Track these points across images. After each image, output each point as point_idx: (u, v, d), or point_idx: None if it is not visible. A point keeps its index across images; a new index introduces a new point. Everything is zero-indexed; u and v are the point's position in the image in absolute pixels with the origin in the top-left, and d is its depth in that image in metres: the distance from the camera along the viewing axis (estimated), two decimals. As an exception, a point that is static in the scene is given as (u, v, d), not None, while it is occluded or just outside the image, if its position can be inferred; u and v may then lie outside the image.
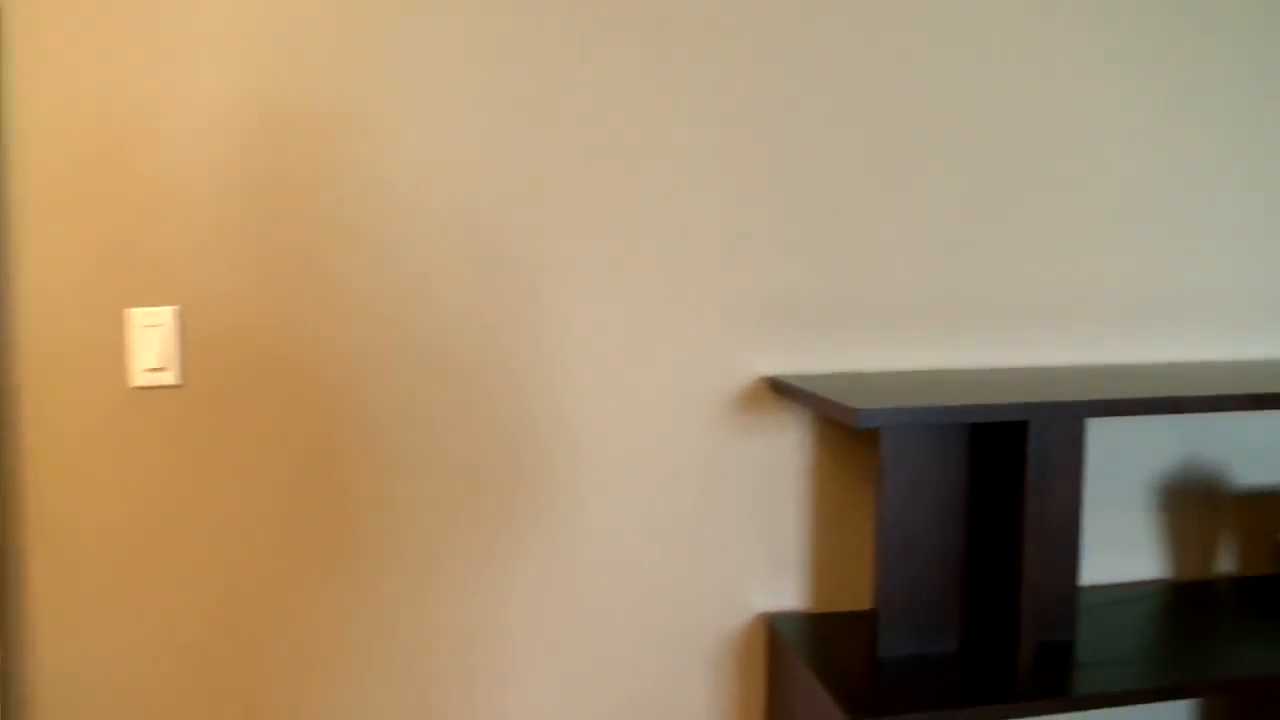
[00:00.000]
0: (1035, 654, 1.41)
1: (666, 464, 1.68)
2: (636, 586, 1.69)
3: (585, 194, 1.61)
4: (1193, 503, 1.93)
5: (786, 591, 1.74)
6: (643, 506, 1.68)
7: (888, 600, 1.51)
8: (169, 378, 1.51)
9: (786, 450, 1.72)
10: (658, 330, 1.65)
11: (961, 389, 1.48)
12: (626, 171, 1.62)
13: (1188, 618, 1.70)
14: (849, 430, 1.74)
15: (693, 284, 1.66)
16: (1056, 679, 1.43)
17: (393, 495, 1.59)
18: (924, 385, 1.53)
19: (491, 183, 1.57)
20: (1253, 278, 1.93)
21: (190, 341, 1.52)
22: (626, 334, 1.64)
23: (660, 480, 1.68)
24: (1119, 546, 1.91)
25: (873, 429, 1.71)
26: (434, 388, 1.59)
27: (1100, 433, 1.88)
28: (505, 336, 1.60)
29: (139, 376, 1.50)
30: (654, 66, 1.61)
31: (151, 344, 1.49)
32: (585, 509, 1.66)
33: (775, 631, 1.67)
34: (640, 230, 1.63)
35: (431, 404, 1.59)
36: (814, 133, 1.68)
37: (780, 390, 1.61)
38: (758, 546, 1.72)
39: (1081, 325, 1.84)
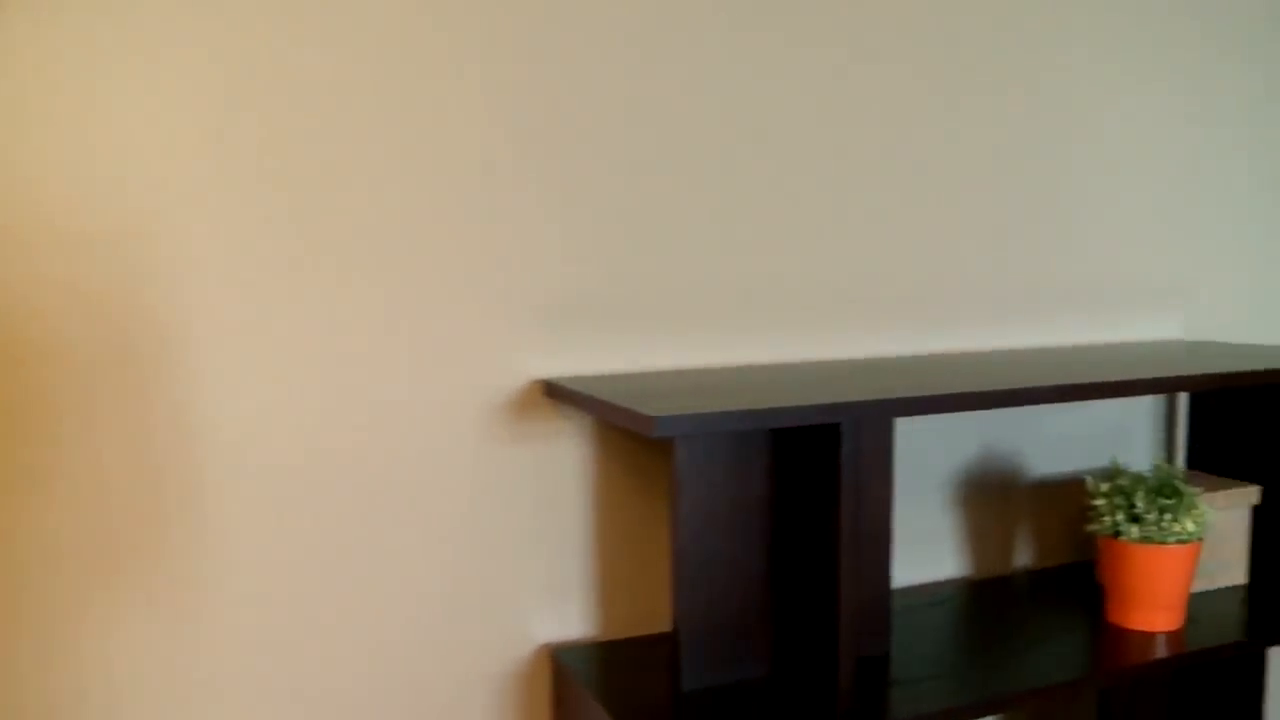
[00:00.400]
0: (853, 673, 1.28)
1: (418, 482, 1.46)
2: (383, 629, 1.47)
3: (312, 181, 1.37)
4: (990, 495, 1.86)
5: (572, 618, 1.56)
6: (391, 534, 1.45)
7: (688, 624, 1.35)
8: None
9: (566, 462, 1.53)
10: (408, 331, 1.43)
11: (761, 388, 1.34)
12: (365, 152, 1.39)
13: (994, 618, 1.62)
14: (637, 437, 1.57)
15: (450, 277, 1.44)
16: (876, 701, 1.30)
17: None
18: (718, 385, 1.37)
19: (161, 166, 1.32)
20: (1049, 264, 1.87)
21: None
22: (368, 337, 1.42)
23: (411, 502, 1.46)
24: (917, 546, 1.82)
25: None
26: (69, 396, 1.32)
27: (897, 428, 1.79)
28: (188, 339, 1.35)
29: None
30: (411, 34, 1.39)
31: None
32: (302, 539, 1.43)
33: (560, 665, 1.48)
34: (384, 219, 1.41)
35: (65, 413, 1.32)
36: (592, 116, 1.50)
37: (558, 395, 1.42)
38: (536, 570, 1.53)
39: (880, 316, 1.73)
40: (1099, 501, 1.56)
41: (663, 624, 1.62)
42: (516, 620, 1.53)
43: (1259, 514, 1.86)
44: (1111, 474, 1.59)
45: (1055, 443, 1.91)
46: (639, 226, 1.54)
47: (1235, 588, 1.75)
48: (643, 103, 1.53)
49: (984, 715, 1.32)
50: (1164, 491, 1.53)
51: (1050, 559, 1.94)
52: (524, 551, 1.52)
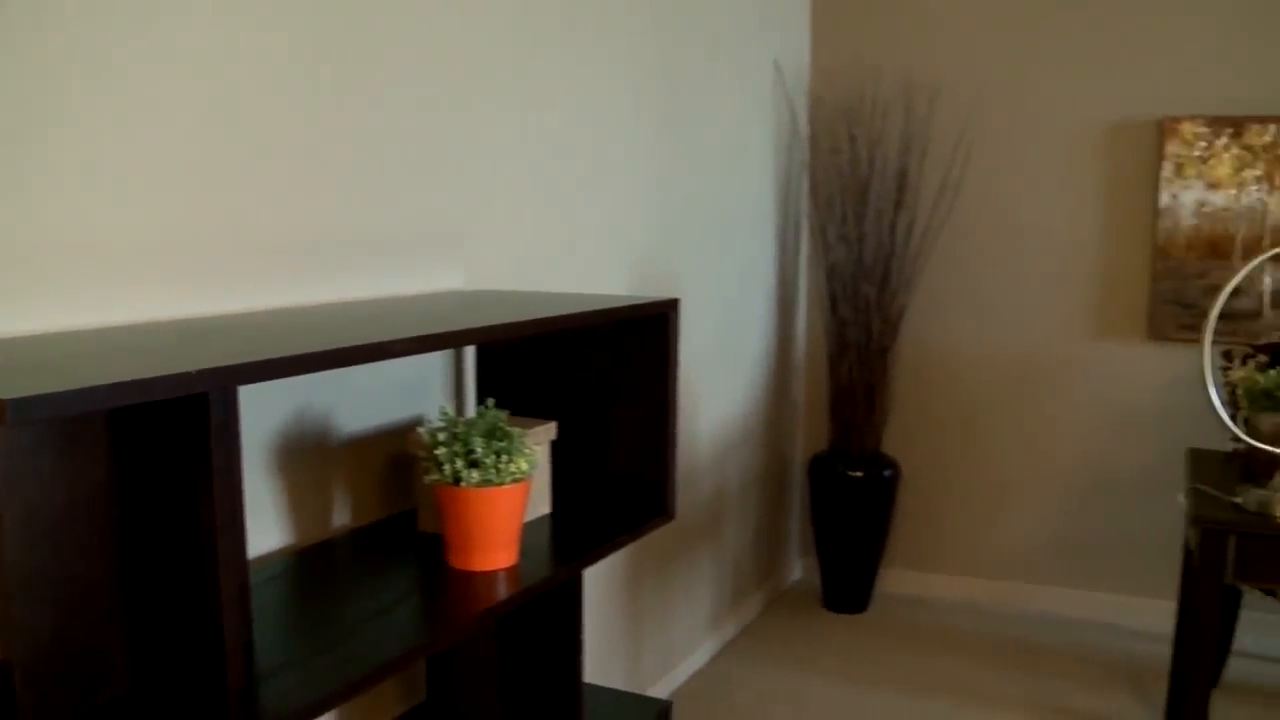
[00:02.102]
0: (242, 670, 1.17)
1: None
2: None
3: None
4: (304, 458, 1.82)
5: None
6: None
7: (25, 650, 1.14)
8: None
9: None
10: None
11: (77, 359, 1.16)
12: None
13: (338, 585, 1.60)
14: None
15: None
16: (256, 697, 1.21)
17: None
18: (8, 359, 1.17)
19: None
20: (330, 217, 1.86)
21: None
22: None
23: None
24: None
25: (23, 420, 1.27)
26: None
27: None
28: None
29: None
30: None
31: None
32: None
33: None
34: None
35: None
36: None
37: None
38: None
39: (160, 274, 1.59)
40: (439, 451, 1.60)
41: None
42: None
43: (556, 448, 2.04)
44: (447, 423, 1.64)
45: (354, 398, 1.92)
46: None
47: (544, 518, 1.91)
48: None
49: (370, 685, 1.30)
50: (496, 435, 1.62)
51: (367, 516, 1.95)
52: None
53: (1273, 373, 2.50)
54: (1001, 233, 3.88)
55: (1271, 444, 2.37)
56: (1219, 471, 2.77)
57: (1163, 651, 3.59)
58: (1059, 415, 3.89)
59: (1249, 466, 2.51)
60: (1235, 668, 3.43)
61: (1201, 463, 2.88)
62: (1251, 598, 3.29)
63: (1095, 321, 3.82)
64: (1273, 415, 2.42)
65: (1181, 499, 2.49)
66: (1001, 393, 3.95)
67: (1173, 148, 3.62)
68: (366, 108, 1.88)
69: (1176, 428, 3.75)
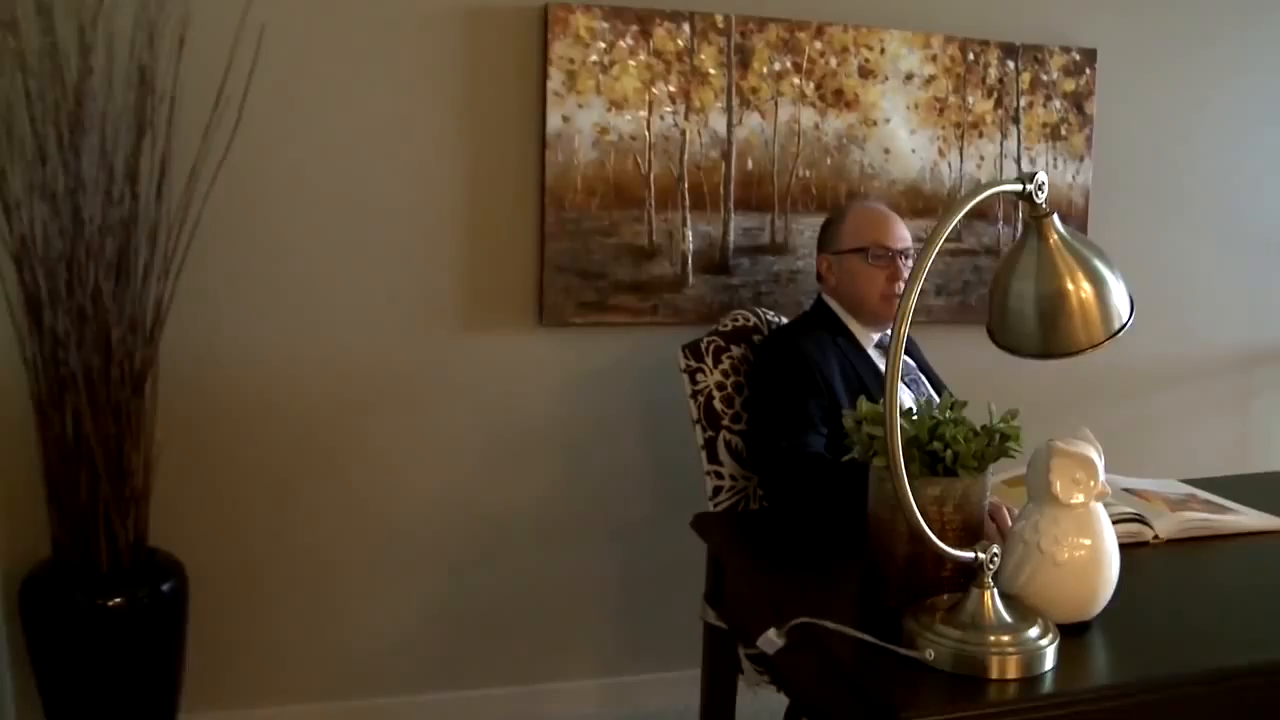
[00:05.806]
0: None
1: None
2: None
3: None
4: None
5: None
6: None
7: None
8: None
9: None
10: None
11: None
12: None
13: None
14: None
15: None
16: None
17: None
18: None
19: None
20: None
21: None
22: None
23: None
24: None
25: None
26: None
27: None
28: None
29: None
30: None
31: None
32: None
33: None
34: None
35: None
36: None
37: None
38: None
39: None
40: None
41: None
42: None
43: None
44: None
45: None
46: None
47: None
48: None
49: None
50: None
51: None
52: None
53: (922, 417, 1.58)
54: (316, 175, 2.56)
55: (940, 532, 1.40)
56: (751, 551, 1.91)
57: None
58: (422, 450, 2.73)
59: (880, 566, 1.54)
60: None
61: (727, 542, 1.98)
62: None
63: (465, 306, 2.70)
64: (932, 482, 1.46)
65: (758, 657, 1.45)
66: (334, 426, 2.66)
67: (562, 48, 2.58)
68: None
69: (589, 451, 2.82)
